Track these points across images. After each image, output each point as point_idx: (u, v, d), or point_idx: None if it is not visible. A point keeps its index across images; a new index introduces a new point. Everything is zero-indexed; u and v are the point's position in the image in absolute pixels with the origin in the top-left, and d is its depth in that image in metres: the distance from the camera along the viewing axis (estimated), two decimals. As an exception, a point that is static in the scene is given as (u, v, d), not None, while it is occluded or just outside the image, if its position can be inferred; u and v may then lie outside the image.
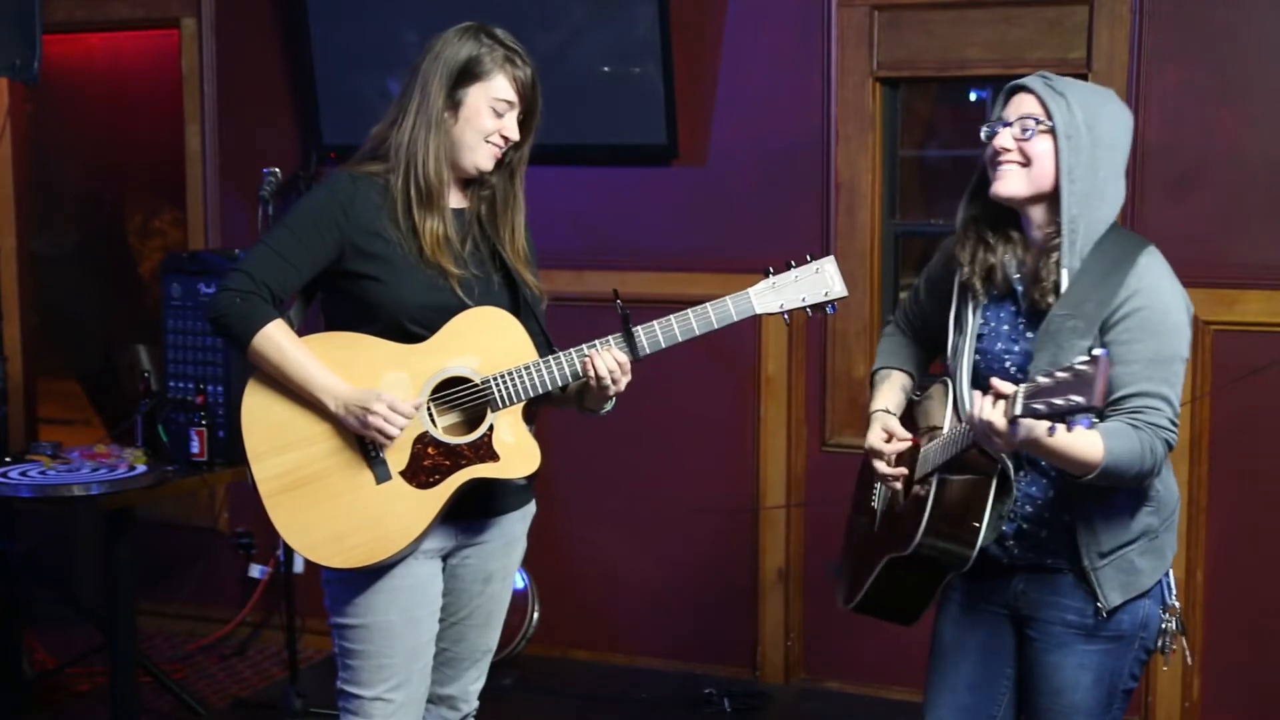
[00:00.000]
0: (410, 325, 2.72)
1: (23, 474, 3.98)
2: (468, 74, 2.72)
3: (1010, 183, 2.50)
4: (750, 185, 4.53)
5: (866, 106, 4.37)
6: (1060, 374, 2.18)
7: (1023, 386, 2.24)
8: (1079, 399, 2.14)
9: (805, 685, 4.61)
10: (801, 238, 4.47)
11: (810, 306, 2.71)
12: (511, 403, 2.69)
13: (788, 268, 2.71)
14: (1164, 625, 2.59)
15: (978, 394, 2.34)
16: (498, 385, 2.69)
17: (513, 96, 2.74)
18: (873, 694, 4.50)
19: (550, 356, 2.70)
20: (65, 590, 5.08)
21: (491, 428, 2.70)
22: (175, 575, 5.25)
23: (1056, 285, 2.49)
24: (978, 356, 2.62)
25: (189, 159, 5.13)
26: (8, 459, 4.19)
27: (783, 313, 2.71)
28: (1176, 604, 2.61)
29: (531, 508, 2.97)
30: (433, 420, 2.72)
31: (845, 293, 2.71)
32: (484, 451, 2.70)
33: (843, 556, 2.95)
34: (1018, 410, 2.23)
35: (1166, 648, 2.60)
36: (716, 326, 2.69)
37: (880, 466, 2.70)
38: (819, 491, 4.53)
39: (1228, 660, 4.12)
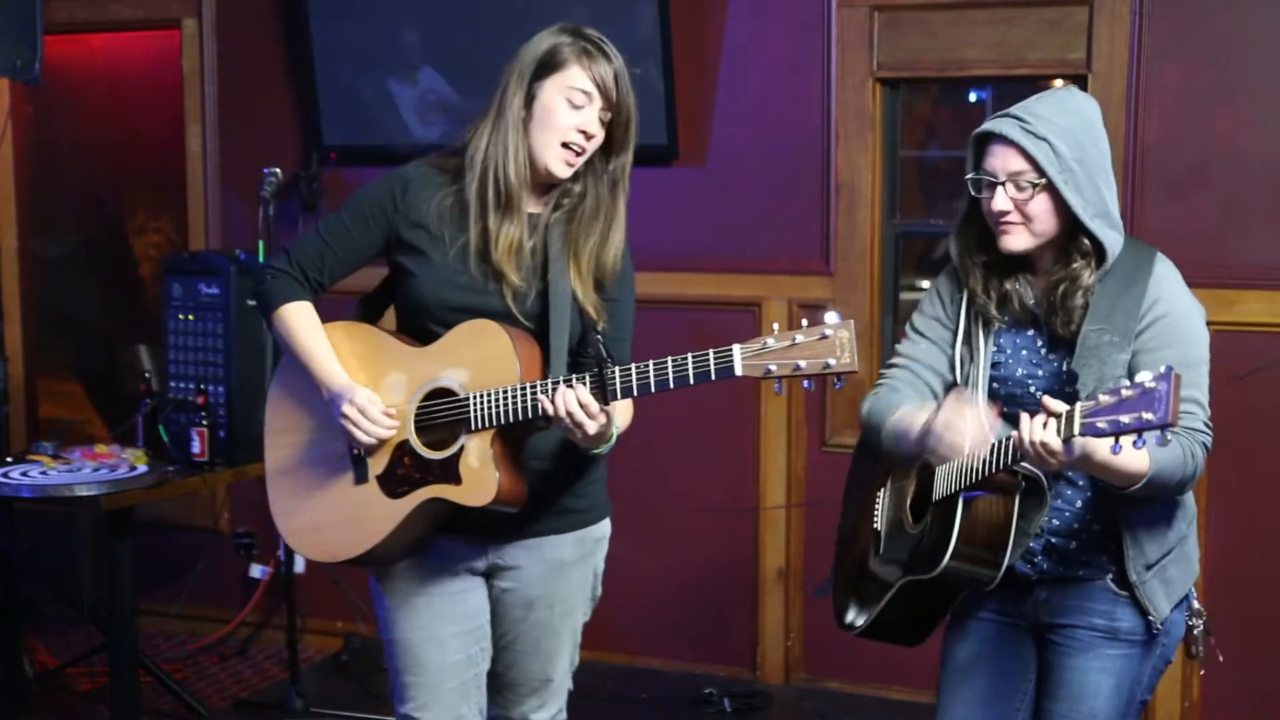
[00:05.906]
0: (431, 325, 2.63)
1: (23, 474, 3.98)
2: (543, 67, 2.60)
3: (1018, 240, 2.48)
4: (750, 185, 4.53)
5: (866, 107, 4.37)
6: (1126, 391, 2.16)
7: (1078, 405, 2.22)
8: (1150, 415, 2.12)
9: (805, 685, 4.61)
10: (801, 238, 4.47)
11: (807, 376, 2.32)
12: (484, 426, 2.51)
13: (799, 327, 2.35)
14: (1194, 631, 2.58)
15: (1024, 416, 2.30)
16: (475, 405, 2.53)
17: (588, 87, 2.58)
18: (873, 694, 4.50)
19: (531, 384, 2.49)
20: (66, 590, 5.08)
21: (462, 448, 2.54)
22: (176, 575, 5.25)
23: (1085, 309, 2.46)
24: (995, 384, 2.57)
25: (189, 159, 5.13)
26: (8, 459, 4.19)
27: (772, 379, 2.33)
28: (1202, 608, 2.60)
29: (596, 530, 2.85)
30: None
31: (855, 367, 2.29)
32: (450, 471, 2.55)
33: (836, 578, 2.88)
34: (1076, 430, 2.21)
35: (1200, 653, 2.59)
36: (693, 384, 2.38)
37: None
38: (819, 491, 4.53)
39: (1228, 660, 4.10)
